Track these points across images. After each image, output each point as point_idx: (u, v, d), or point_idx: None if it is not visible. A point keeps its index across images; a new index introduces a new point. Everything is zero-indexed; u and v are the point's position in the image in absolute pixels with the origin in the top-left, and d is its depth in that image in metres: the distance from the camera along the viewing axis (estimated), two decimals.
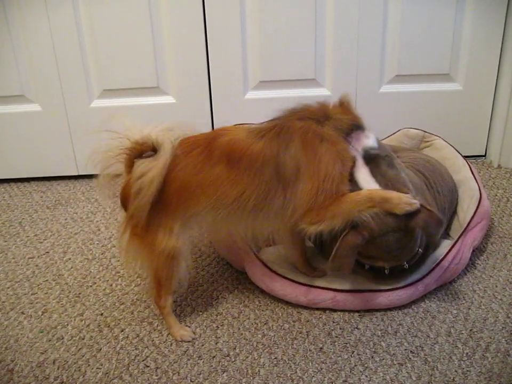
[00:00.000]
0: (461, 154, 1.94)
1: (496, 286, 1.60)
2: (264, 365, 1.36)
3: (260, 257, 1.60)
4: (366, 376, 1.32)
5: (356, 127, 1.39)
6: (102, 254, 1.84)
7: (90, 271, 1.75)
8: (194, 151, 1.37)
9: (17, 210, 2.14)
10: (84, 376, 1.35)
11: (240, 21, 2.10)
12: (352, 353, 1.39)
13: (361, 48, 2.16)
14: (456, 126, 2.29)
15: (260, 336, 1.45)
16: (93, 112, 2.21)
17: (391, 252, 1.41)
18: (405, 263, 1.46)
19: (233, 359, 1.38)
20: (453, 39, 2.16)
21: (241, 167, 1.33)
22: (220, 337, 1.45)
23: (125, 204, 1.39)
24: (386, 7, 2.11)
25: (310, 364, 1.36)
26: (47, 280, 1.71)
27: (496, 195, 2.09)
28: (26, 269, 1.77)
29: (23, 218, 2.08)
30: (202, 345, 1.43)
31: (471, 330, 1.44)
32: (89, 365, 1.38)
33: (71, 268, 1.77)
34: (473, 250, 1.67)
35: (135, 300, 1.60)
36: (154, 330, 1.49)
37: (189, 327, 1.49)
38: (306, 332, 1.46)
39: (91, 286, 1.68)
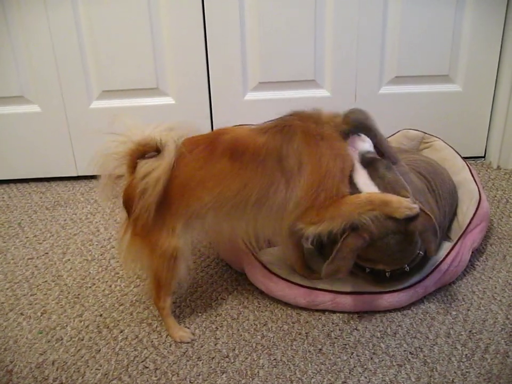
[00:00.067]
0: (460, 155, 1.94)
1: (495, 287, 1.60)
2: (263, 366, 1.36)
3: (259, 259, 1.60)
4: (365, 377, 1.32)
5: (351, 131, 1.41)
6: (101, 255, 1.84)
7: (90, 272, 1.75)
8: (197, 148, 1.37)
9: (16, 211, 2.14)
10: (83, 377, 1.35)
11: (240, 21, 2.10)
12: (351, 354, 1.39)
13: (360, 49, 2.16)
14: (456, 127, 2.29)
15: (259, 337, 1.45)
16: (92, 113, 2.21)
17: (392, 255, 1.41)
18: (406, 265, 1.46)
19: (232, 360, 1.38)
20: (453, 40, 2.16)
21: (244, 160, 1.34)
22: (219, 338, 1.45)
23: (127, 204, 1.38)
24: (386, 8, 2.11)
25: (309, 365, 1.36)
26: (46, 281, 1.71)
27: (496, 196, 2.10)
28: (26, 269, 1.77)
29: (22, 219, 2.08)
30: (202, 346, 1.43)
31: (470, 331, 1.44)
32: (88, 366, 1.38)
33: (70, 268, 1.77)
34: (472, 252, 1.67)
35: (134, 301, 1.60)
36: (154, 331, 1.49)
37: (188, 328, 1.49)
38: (306, 333, 1.46)
39: (90, 287, 1.67)
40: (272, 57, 2.17)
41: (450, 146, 1.99)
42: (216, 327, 1.49)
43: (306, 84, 2.22)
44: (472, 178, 1.82)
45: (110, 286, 1.67)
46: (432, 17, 2.12)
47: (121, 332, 1.49)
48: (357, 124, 1.46)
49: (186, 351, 1.42)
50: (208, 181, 1.35)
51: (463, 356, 1.36)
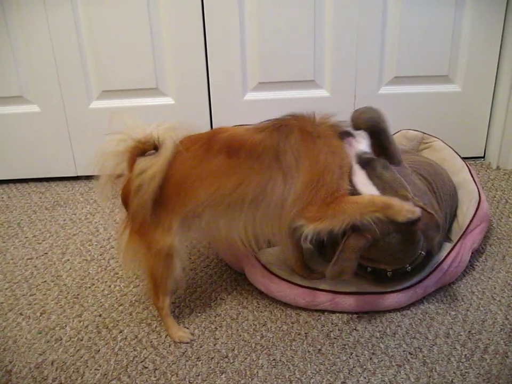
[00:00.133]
0: (460, 155, 1.94)
1: (495, 288, 1.60)
2: (262, 366, 1.36)
3: (259, 259, 1.60)
4: (365, 377, 1.32)
5: (346, 133, 1.41)
6: (100, 255, 1.84)
7: (89, 272, 1.75)
8: (194, 146, 1.37)
9: (15, 211, 2.14)
10: (82, 377, 1.35)
11: (239, 22, 2.10)
12: (351, 354, 1.39)
13: (360, 49, 2.16)
14: (455, 128, 2.30)
15: (259, 337, 1.45)
16: (91, 113, 2.21)
17: (394, 255, 1.40)
18: (407, 265, 1.45)
19: (231, 361, 1.38)
20: (452, 40, 2.16)
21: (241, 155, 1.33)
22: (218, 339, 1.45)
23: (125, 201, 1.39)
24: (386, 8, 2.11)
25: (309, 365, 1.36)
26: (45, 281, 1.71)
27: (495, 197, 2.10)
28: (25, 270, 1.77)
29: (22, 219, 2.08)
30: (201, 347, 1.43)
31: (469, 332, 1.44)
32: (87, 366, 1.38)
33: (70, 269, 1.77)
34: (472, 252, 1.67)
35: (133, 301, 1.60)
36: (153, 331, 1.49)
37: (188, 328, 1.49)
38: (305, 333, 1.46)
39: (89, 287, 1.67)
40: (272, 57, 2.17)
41: (449, 146, 1.99)
42: (215, 327, 1.49)
43: (306, 84, 2.23)
44: (471, 179, 1.82)
45: (109, 286, 1.67)
46: (431, 18, 2.12)
47: (121, 332, 1.49)
48: (371, 124, 1.46)
49: (185, 351, 1.42)
50: (205, 179, 1.35)
51: (462, 356, 1.36)
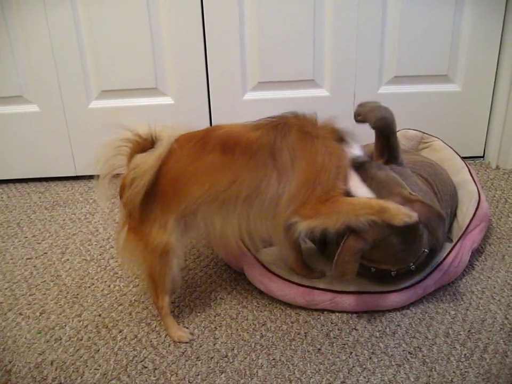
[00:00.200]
0: (459, 155, 1.94)
1: (494, 287, 1.60)
2: (262, 366, 1.36)
3: (258, 258, 1.60)
4: (364, 377, 1.32)
5: (340, 139, 1.40)
6: (100, 255, 1.84)
7: (89, 272, 1.75)
8: (189, 143, 1.37)
9: (15, 211, 2.14)
10: (82, 377, 1.35)
11: (239, 21, 2.10)
12: (350, 354, 1.39)
13: (360, 49, 2.16)
14: (455, 127, 2.29)
15: (258, 337, 1.45)
16: (91, 113, 2.21)
17: (396, 255, 1.40)
18: (411, 264, 1.45)
19: (231, 360, 1.38)
20: (452, 40, 2.16)
21: (236, 152, 1.33)
22: (218, 338, 1.45)
23: (121, 196, 1.40)
24: (385, 8, 2.11)
25: (308, 365, 1.36)
26: (45, 281, 1.71)
27: (494, 196, 2.10)
28: (24, 269, 1.77)
29: (21, 219, 2.08)
30: (200, 346, 1.43)
31: (469, 331, 1.44)
32: (87, 366, 1.38)
33: (69, 268, 1.77)
34: (471, 252, 1.67)
35: (133, 301, 1.60)
36: (153, 331, 1.49)
37: (187, 328, 1.49)
38: (305, 332, 1.46)
39: (89, 287, 1.67)
40: (271, 57, 2.17)
41: (449, 146, 1.99)
42: (215, 327, 1.49)
43: (305, 83, 2.22)
44: (471, 179, 1.82)
45: (109, 286, 1.67)
46: (431, 17, 2.12)
47: (120, 331, 1.49)
48: (383, 124, 1.45)
49: (185, 351, 1.42)
50: (199, 175, 1.34)
51: (462, 356, 1.36)
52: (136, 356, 1.41)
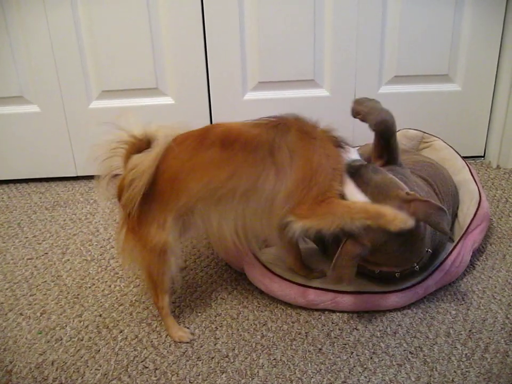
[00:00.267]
0: (460, 155, 1.94)
1: (495, 287, 1.60)
2: (263, 365, 1.36)
3: (259, 258, 1.60)
4: (365, 377, 1.32)
5: (338, 145, 1.40)
6: (100, 255, 1.84)
7: (89, 272, 1.75)
8: (188, 140, 1.37)
9: (16, 212, 2.14)
10: (82, 377, 1.35)
11: (239, 21, 2.10)
12: (351, 354, 1.39)
13: (360, 48, 2.16)
14: (455, 127, 2.29)
15: (259, 337, 1.45)
16: (91, 113, 2.21)
17: (399, 256, 1.39)
18: (415, 265, 1.44)
19: (232, 360, 1.38)
20: (452, 39, 2.16)
21: (235, 148, 1.33)
22: (218, 338, 1.45)
23: (119, 197, 1.40)
24: (385, 8, 2.11)
25: (309, 364, 1.36)
26: (45, 281, 1.71)
27: (495, 196, 2.10)
28: (25, 270, 1.77)
29: (22, 220, 2.08)
30: (201, 346, 1.43)
31: (470, 331, 1.44)
32: (88, 366, 1.38)
33: (70, 269, 1.77)
34: (472, 252, 1.67)
35: (133, 301, 1.60)
36: (153, 331, 1.49)
37: (188, 328, 1.49)
38: (305, 332, 1.46)
39: (90, 287, 1.67)
40: (271, 57, 2.17)
41: (450, 146, 1.99)
42: (215, 327, 1.49)
43: (305, 83, 2.22)
44: (472, 178, 1.82)
45: (110, 286, 1.67)
46: (431, 17, 2.12)
47: (121, 332, 1.49)
48: (384, 128, 1.45)
49: (185, 351, 1.42)
50: (197, 170, 1.34)
51: (463, 355, 1.36)
52: (137, 356, 1.41)
